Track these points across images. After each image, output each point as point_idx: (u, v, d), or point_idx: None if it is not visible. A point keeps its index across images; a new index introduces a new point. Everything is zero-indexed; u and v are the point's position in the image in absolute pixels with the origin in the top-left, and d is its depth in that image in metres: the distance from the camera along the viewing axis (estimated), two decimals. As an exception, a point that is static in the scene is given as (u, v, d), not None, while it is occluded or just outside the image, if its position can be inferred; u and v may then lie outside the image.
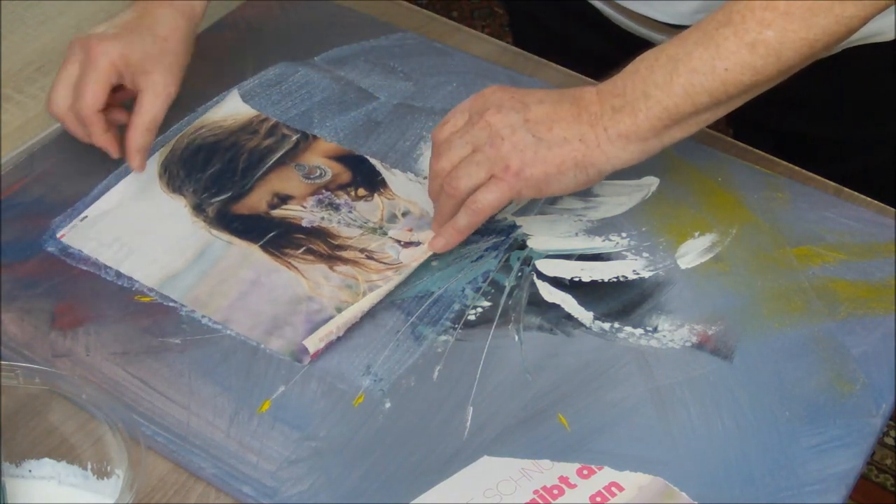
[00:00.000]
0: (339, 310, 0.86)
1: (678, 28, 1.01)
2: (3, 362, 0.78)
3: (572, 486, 0.76)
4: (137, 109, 0.92)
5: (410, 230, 0.93)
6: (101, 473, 0.76)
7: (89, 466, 0.76)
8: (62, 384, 0.78)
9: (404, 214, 0.94)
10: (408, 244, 0.91)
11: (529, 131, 0.83)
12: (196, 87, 0.98)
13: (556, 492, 0.75)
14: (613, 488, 0.76)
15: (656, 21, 1.02)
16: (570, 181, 0.84)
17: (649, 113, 0.82)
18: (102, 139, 0.92)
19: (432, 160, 0.88)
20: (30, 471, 0.75)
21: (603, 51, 1.14)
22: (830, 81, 1.04)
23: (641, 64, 0.84)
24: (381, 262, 0.90)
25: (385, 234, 0.92)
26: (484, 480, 0.76)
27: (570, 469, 0.77)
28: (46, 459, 0.76)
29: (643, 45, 1.06)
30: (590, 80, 1.07)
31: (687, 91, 0.81)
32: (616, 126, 0.83)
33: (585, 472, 0.77)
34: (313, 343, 0.83)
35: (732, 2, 0.81)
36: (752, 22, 0.79)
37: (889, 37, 1.00)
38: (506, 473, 0.76)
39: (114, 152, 0.93)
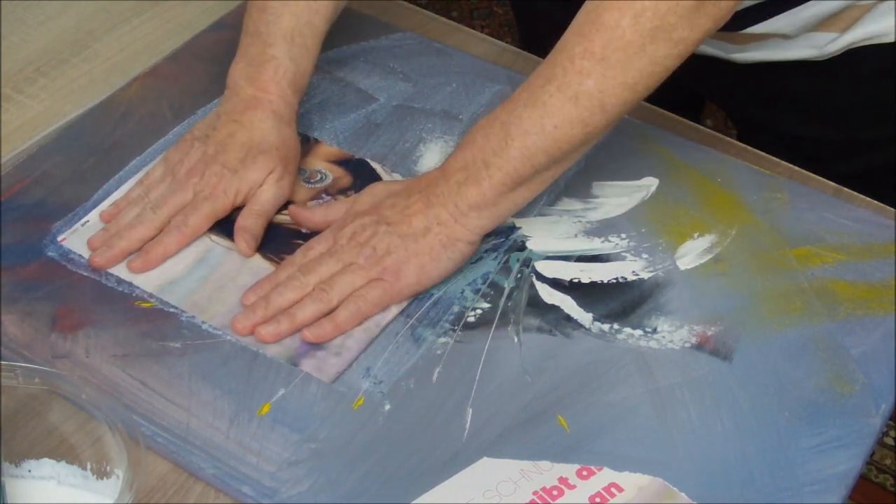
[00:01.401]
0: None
1: None
2: (3, 362, 0.78)
3: (572, 487, 0.76)
4: (251, 200, 0.92)
5: None
6: (101, 474, 0.76)
7: (89, 467, 0.76)
8: (62, 384, 0.78)
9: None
10: None
11: (394, 234, 0.85)
12: (196, 88, 0.98)
13: (555, 493, 0.75)
14: (613, 489, 0.76)
15: None
16: (446, 263, 0.86)
17: (492, 181, 0.84)
18: (119, 251, 0.89)
19: (284, 272, 0.87)
20: (29, 471, 0.75)
21: None
22: (832, 83, 1.04)
23: (478, 133, 0.85)
24: None
25: None
26: (483, 482, 0.76)
27: (569, 470, 0.77)
28: (46, 459, 0.76)
29: None
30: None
31: (523, 154, 0.83)
32: (465, 199, 0.85)
33: (585, 472, 0.77)
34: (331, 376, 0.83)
35: (555, 54, 0.83)
36: (573, 74, 0.81)
37: (889, 39, 0.99)
38: (505, 474, 0.76)
39: (100, 261, 0.89)
